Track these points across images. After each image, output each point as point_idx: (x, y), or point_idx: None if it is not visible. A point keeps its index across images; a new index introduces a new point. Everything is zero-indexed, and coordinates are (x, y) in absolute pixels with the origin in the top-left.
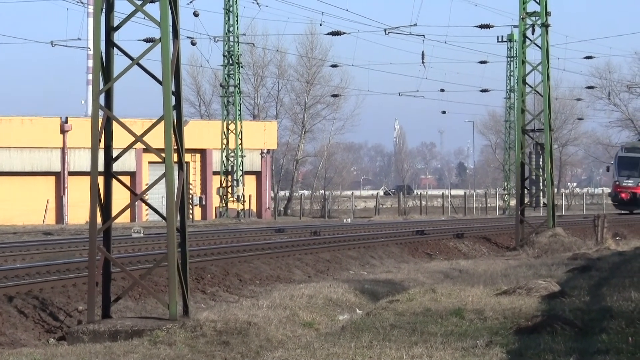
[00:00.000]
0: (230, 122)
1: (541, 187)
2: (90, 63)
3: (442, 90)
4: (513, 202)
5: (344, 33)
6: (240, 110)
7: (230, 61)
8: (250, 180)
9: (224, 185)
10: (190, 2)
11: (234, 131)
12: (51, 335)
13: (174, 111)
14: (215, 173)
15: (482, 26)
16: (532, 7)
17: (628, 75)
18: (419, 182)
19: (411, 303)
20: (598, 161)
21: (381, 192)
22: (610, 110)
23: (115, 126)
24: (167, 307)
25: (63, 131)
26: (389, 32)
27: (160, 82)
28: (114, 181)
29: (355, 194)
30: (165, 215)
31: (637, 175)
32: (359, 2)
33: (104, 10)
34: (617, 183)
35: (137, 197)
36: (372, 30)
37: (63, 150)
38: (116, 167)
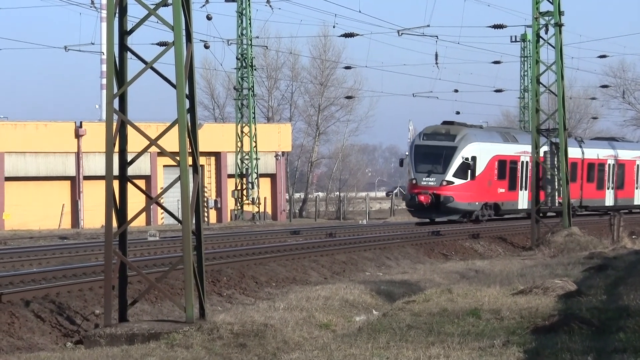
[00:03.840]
0: (244, 124)
1: (556, 187)
2: (104, 67)
3: (456, 90)
4: None
5: (357, 35)
6: (254, 113)
7: (244, 64)
8: (265, 183)
9: (238, 188)
10: (203, 5)
11: (248, 134)
12: (68, 339)
13: (188, 114)
14: (230, 176)
15: (496, 26)
16: (545, 6)
17: None
18: None
19: (427, 304)
20: None
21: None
22: (624, 109)
23: (130, 130)
24: (183, 310)
25: (78, 136)
26: (402, 34)
27: (174, 86)
28: (129, 185)
29: (370, 196)
30: (180, 218)
31: (440, 170)
32: (372, 4)
33: (117, 15)
34: (414, 181)
35: (152, 200)
36: (385, 31)
37: (78, 155)
38: (131, 170)
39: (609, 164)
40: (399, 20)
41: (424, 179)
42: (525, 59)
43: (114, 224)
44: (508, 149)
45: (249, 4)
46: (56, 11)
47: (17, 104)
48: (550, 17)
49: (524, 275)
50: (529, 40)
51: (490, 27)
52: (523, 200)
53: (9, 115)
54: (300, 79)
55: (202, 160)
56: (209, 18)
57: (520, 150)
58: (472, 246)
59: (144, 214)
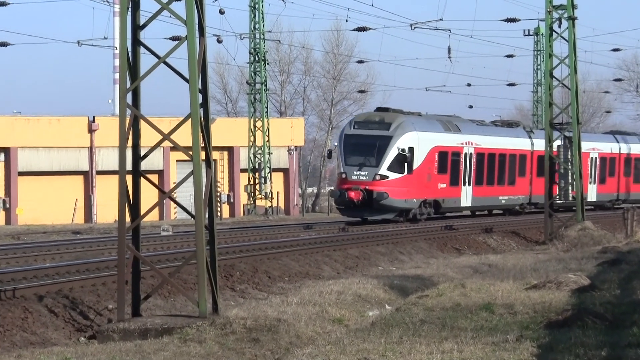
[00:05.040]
0: (257, 119)
1: (570, 181)
2: (117, 62)
3: (469, 84)
4: None
5: (370, 29)
6: (266, 108)
7: (257, 58)
8: (278, 177)
9: (251, 182)
10: None
11: (261, 128)
12: (82, 334)
13: (201, 109)
14: (242, 170)
15: (509, 20)
16: (558, 0)
17: None
18: None
19: (441, 298)
20: None
21: None
22: (638, 102)
23: (143, 125)
24: (196, 305)
25: (91, 130)
26: (414, 27)
27: (186, 80)
28: (142, 180)
29: None
30: (193, 213)
31: (373, 163)
32: None
33: (130, 9)
34: (344, 176)
35: (165, 195)
36: (398, 25)
37: (91, 150)
38: (144, 165)
39: None
40: (412, 14)
41: (354, 172)
42: (539, 52)
43: (127, 218)
44: (450, 139)
45: None
46: (69, 6)
47: (30, 99)
48: (563, 11)
49: (538, 269)
50: (542, 34)
51: (503, 20)
52: (466, 196)
53: (22, 110)
54: (313, 73)
55: (214, 154)
56: (221, 12)
57: (464, 141)
58: (485, 240)
59: (157, 208)
